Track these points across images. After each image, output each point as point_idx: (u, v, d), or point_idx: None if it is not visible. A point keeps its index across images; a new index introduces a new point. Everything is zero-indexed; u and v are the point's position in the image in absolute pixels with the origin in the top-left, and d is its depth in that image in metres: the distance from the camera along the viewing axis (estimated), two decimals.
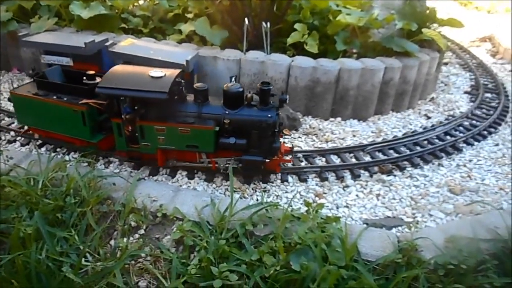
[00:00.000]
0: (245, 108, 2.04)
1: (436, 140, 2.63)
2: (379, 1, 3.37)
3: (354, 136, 2.64)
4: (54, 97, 2.22)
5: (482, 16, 6.97)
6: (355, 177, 2.25)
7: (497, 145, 2.67)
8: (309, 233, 1.67)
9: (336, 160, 2.38)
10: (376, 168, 2.32)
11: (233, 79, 2.15)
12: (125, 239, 1.78)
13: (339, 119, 2.82)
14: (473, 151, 2.58)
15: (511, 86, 3.64)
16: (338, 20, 2.80)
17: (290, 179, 2.21)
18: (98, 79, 2.21)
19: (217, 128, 1.99)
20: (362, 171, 2.29)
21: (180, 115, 2.03)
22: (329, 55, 2.88)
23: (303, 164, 2.33)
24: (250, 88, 2.36)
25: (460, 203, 2.09)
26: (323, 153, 2.41)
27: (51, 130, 2.37)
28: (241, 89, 2.03)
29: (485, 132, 2.80)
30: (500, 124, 2.95)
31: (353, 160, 2.38)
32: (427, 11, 3.27)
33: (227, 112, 2.02)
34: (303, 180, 2.21)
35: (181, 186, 2.14)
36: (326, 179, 2.22)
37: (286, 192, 2.13)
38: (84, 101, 2.15)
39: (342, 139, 2.59)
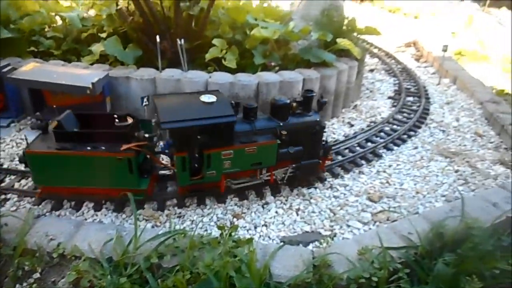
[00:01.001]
0: (293, 117, 2.09)
1: (358, 148, 2.68)
2: (299, 12, 3.41)
3: None
4: (89, 148, 1.92)
5: (409, 22, 7.34)
6: (276, 193, 2.21)
7: (416, 148, 2.76)
8: (218, 260, 1.59)
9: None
10: (296, 182, 2.29)
11: (144, 99, 2.06)
12: (17, 286, 1.62)
13: None
14: (393, 156, 2.65)
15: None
16: (253, 34, 2.78)
17: (207, 201, 2.12)
18: (129, 119, 2.01)
19: (278, 141, 2.01)
20: (282, 186, 2.26)
21: (240, 136, 1.98)
22: (249, 69, 2.86)
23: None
24: None
25: (378, 210, 2.11)
26: None
27: (81, 186, 2.01)
28: (288, 101, 2.08)
29: (405, 136, 2.88)
30: (419, 127, 3.05)
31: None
32: (346, 21, 3.35)
33: (280, 124, 2.05)
34: (221, 202, 2.13)
35: (86, 219, 1.99)
36: (246, 198, 2.16)
37: (203, 216, 2.04)
38: (127, 146, 1.90)
39: None
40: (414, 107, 3.39)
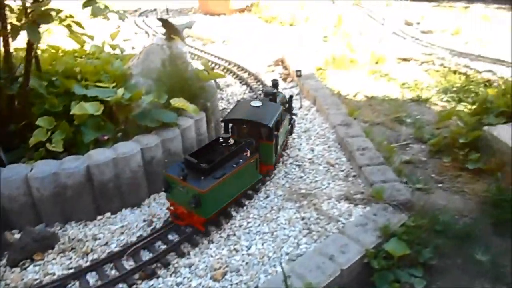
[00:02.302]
0: None
1: None
2: (138, 66, 3.24)
3: (122, 233, 2.45)
4: (234, 165, 2.44)
5: (284, 31, 7.54)
6: None
7: (267, 197, 2.75)
8: None
9: (93, 279, 2.14)
10: (137, 276, 2.15)
11: None
12: None
13: (108, 214, 2.60)
14: (244, 213, 2.61)
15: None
16: (75, 112, 2.57)
17: None
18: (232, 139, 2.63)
19: None
20: (121, 286, 2.10)
21: None
22: (80, 149, 2.63)
23: None
24: None
25: None
26: (78, 275, 2.14)
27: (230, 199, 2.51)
28: None
29: (258, 185, 2.86)
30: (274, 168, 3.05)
31: (113, 273, 2.17)
32: (190, 72, 3.26)
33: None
34: None
35: None
36: None
37: None
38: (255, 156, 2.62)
39: (106, 244, 2.37)
40: None
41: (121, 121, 2.85)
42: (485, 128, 3.54)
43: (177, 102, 2.70)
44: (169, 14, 9.02)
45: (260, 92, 4.48)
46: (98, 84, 2.93)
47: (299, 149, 3.30)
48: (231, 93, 4.56)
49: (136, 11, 9.58)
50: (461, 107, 4.99)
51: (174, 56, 3.23)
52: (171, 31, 3.19)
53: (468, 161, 3.41)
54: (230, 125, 2.81)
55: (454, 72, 6.07)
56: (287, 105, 3.23)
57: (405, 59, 6.58)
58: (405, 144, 4.03)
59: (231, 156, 2.49)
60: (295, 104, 4.16)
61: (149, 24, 8.10)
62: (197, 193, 2.21)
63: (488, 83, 5.71)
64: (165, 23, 3.17)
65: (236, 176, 2.43)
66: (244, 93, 4.53)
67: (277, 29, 7.53)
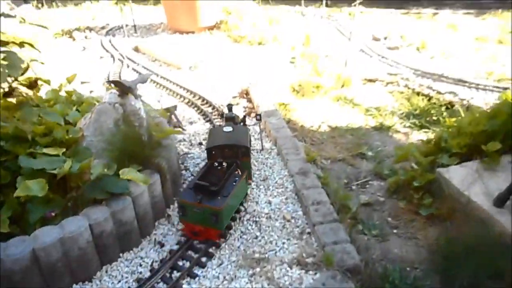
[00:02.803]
0: None
1: (163, 284, 2.59)
2: (90, 127, 3.20)
3: None
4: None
5: (252, 52, 7.52)
6: None
7: (221, 264, 2.74)
8: None
9: None
10: None
11: None
12: None
13: None
14: (195, 284, 2.60)
15: None
16: (17, 194, 2.52)
17: None
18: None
19: None
20: None
21: None
22: (26, 227, 2.59)
23: None
24: None
25: None
26: None
27: None
28: None
29: (212, 248, 2.87)
30: (230, 227, 3.06)
31: None
32: (144, 129, 3.24)
33: None
34: None
35: None
36: None
37: None
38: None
39: None
40: None
41: (71, 188, 2.81)
42: (438, 170, 3.64)
43: (127, 174, 2.68)
44: (137, 32, 8.88)
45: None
46: (46, 151, 2.87)
47: (257, 202, 3.32)
48: (194, 132, 4.54)
49: (103, 28, 9.39)
50: (421, 135, 5.12)
51: (127, 115, 3.20)
52: (125, 89, 3.15)
53: (421, 205, 3.51)
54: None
55: (418, 93, 6.22)
56: (241, 123, 3.82)
57: (370, 80, 6.69)
58: (365, 181, 4.11)
59: (229, 176, 2.99)
60: (257, 146, 4.18)
61: (115, 45, 7.97)
62: (215, 211, 2.73)
63: (449, 105, 5.87)
64: (117, 84, 3.13)
65: (237, 192, 2.99)
66: (206, 132, 4.51)
67: (246, 50, 7.50)
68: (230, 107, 3.92)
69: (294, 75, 6.40)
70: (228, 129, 3.41)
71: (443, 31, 9.63)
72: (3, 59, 2.84)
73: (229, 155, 3.21)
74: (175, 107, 4.73)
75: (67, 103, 4.04)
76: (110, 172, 2.72)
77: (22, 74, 3.38)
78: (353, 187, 4.00)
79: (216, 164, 3.12)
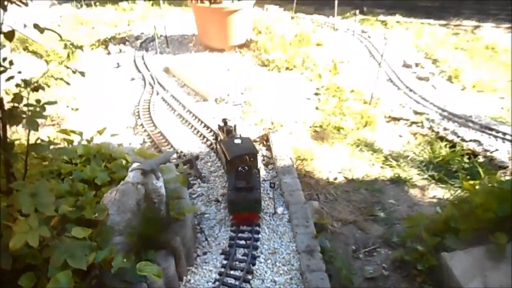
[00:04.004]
0: None
1: None
2: (115, 204, 3.51)
3: None
4: None
5: (280, 79, 7.59)
6: None
7: None
8: None
9: None
10: None
11: None
12: None
13: None
14: None
15: None
16: None
17: None
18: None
19: None
20: None
21: None
22: None
23: None
24: None
25: None
26: None
27: None
28: None
29: None
30: None
31: None
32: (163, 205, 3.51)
33: None
34: None
35: None
36: None
37: None
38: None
39: None
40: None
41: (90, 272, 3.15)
42: (443, 254, 3.73)
43: (143, 269, 2.98)
44: (169, 46, 9.12)
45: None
46: (75, 233, 3.21)
47: (263, 280, 3.56)
48: (212, 182, 4.82)
49: (137, 38, 9.69)
50: (437, 191, 5.16)
51: (149, 193, 3.48)
52: (148, 171, 3.43)
53: None
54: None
55: (441, 138, 6.18)
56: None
57: (395, 119, 6.67)
58: (373, 248, 4.27)
59: (254, 175, 4.11)
60: (270, 209, 4.38)
61: (147, 63, 8.26)
62: (257, 200, 3.97)
63: (472, 155, 5.83)
64: (141, 170, 3.41)
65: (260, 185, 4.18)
66: (224, 186, 4.75)
67: (272, 78, 7.57)
68: (225, 121, 4.93)
69: (317, 113, 6.49)
70: (238, 141, 4.38)
71: (481, 53, 9.29)
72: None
73: (244, 160, 4.18)
74: (196, 157, 5.00)
75: (97, 159, 4.39)
76: (128, 264, 3.03)
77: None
78: (360, 256, 4.17)
79: (241, 168, 4.00)
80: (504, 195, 3.91)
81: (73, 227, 3.30)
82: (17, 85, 2.49)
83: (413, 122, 6.57)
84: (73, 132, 4.34)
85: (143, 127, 5.99)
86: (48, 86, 2.58)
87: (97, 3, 12.55)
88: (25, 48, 8.20)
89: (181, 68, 7.77)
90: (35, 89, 2.42)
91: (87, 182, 3.93)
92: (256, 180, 4.10)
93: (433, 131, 6.34)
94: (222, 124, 4.95)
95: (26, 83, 2.46)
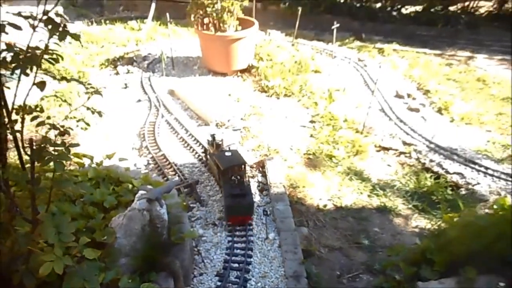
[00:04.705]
0: None
1: None
2: (123, 228, 3.89)
3: None
4: None
5: (279, 105, 8.02)
6: None
7: None
8: None
9: None
10: None
11: None
12: None
13: None
14: None
15: None
16: None
17: None
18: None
19: None
20: None
21: None
22: None
23: None
24: None
25: None
26: None
27: None
28: None
29: None
30: None
31: None
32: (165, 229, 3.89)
33: None
34: None
35: None
36: None
37: None
38: None
39: None
40: None
41: None
42: (418, 283, 4.09)
43: None
44: (174, 69, 9.58)
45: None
46: (87, 254, 3.58)
47: None
48: (211, 205, 5.20)
49: (145, 59, 10.15)
50: (421, 221, 5.53)
51: (153, 219, 3.87)
52: (152, 199, 3.81)
53: None
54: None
55: (427, 170, 6.54)
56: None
57: (384, 148, 7.07)
58: (357, 274, 4.63)
59: (246, 183, 4.83)
60: (262, 234, 4.76)
61: (153, 85, 8.69)
62: (250, 204, 4.68)
63: (455, 187, 6.21)
64: (146, 198, 3.79)
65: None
66: (221, 210, 5.14)
67: (271, 104, 7.98)
68: (213, 136, 5.59)
69: (311, 141, 6.90)
70: (229, 153, 5.04)
71: (472, 85, 9.71)
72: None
73: (235, 170, 4.84)
74: (196, 182, 5.39)
75: (106, 183, 4.78)
76: (133, 285, 3.41)
77: None
78: (344, 281, 4.53)
79: (234, 178, 4.77)
80: (479, 230, 4.28)
81: (84, 248, 3.70)
82: (39, 124, 2.90)
83: (401, 153, 6.97)
84: (85, 156, 4.73)
85: (147, 149, 6.38)
86: (71, 129, 2.93)
87: (107, 21, 13.05)
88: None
89: (185, 91, 8.20)
90: (61, 134, 2.82)
91: (97, 205, 4.34)
92: (247, 187, 4.76)
93: (420, 162, 6.74)
94: (211, 139, 5.57)
95: (54, 127, 2.86)
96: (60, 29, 2.47)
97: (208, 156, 5.75)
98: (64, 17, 2.80)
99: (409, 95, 8.71)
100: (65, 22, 2.60)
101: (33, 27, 2.45)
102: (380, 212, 5.69)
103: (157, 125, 7.05)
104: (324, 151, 6.57)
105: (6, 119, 2.70)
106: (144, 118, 7.38)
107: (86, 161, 4.85)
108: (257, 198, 5.36)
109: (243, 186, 4.73)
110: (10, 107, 2.69)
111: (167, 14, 9.64)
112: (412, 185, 6.26)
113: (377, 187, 6.10)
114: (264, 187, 5.57)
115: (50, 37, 2.57)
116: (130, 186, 4.77)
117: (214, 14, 8.64)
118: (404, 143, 7.14)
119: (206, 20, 8.87)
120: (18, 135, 2.68)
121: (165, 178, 5.63)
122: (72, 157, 2.76)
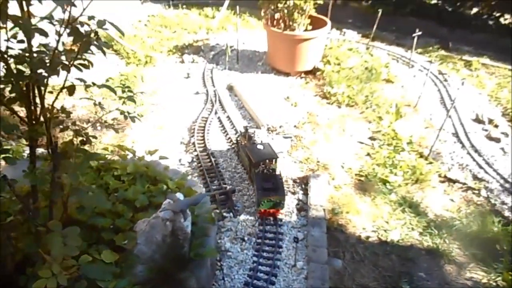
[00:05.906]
0: None
1: None
2: (144, 235, 3.86)
3: None
4: None
5: (339, 115, 7.55)
6: None
7: None
8: None
9: None
10: None
11: None
12: None
13: None
14: None
15: None
16: None
17: None
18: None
19: None
20: None
21: None
22: None
23: None
24: None
25: None
26: None
27: None
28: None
29: None
30: None
31: None
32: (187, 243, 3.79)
33: None
34: None
35: None
36: None
37: None
38: None
39: None
40: None
41: None
42: None
43: None
44: (238, 62, 9.46)
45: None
46: (104, 257, 3.60)
47: None
48: (243, 219, 5.03)
49: (211, 49, 10.16)
50: (476, 272, 4.89)
51: (175, 230, 3.78)
52: (177, 211, 3.72)
53: None
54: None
55: (496, 213, 5.79)
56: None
57: (450, 180, 6.34)
58: None
59: (278, 176, 5.01)
60: (291, 259, 4.49)
61: (214, 78, 8.66)
62: (281, 198, 4.79)
63: None
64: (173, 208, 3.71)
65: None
66: (253, 225, 4.93)
67: (331, 113, 7.54)
68: (246, 128, 5.76)
69: (366, 160, 6.39)
70: (260, 146, 5.16)
71: None
72: None
73: (266, 163, 4.99)
74: (233, 191, 5.23)
75: (143, 180, 4.80)
76: None
77: None
78: None
79: (266, 171, 4.98)
80: None
81: (104, 248, 3.72)
82: (63, 129, 2.88)
83: (469, 188, 6.20)
84: (128, 149, 4.76)
85: (194, 146, 6.35)
86: (96, 138, 2.91)
87: (184, 6, 13.28)
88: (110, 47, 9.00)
89: (243, 88, 8.05)
90: (83, 143, 2.78)
91: (128, 202, 4.36)
92: (279, 181, 4.90)
93: (489, 202, 5.95)
94: (243, 131, 5.76)
95: (77, 133, 2.83)
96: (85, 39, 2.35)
97: (241, 149, 5.79)
98: None
99: (490, 121, 7.70)
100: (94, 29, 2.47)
101: (59, 34, 2.38)
102: (430, 254, 5.10)
103: (209, 122, 7.00)
104: (378, 174, 6.04)
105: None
106: (198, 112, 7.37)
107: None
108: (293, 217, 5.07)
109: (275, 180, 4.88)
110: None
111: (237, 7, 9.49)
112: (475, 227, 5.52)
113: (432, 224, 5.48)
114: (303, 207, 5.25)
115: (80, 50, 2.48)
116: (165, 187, 4.74)
117: (285, 11, 8.31)
118: (475, 177, 6.34)
119: (277, 16, 8.59)
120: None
121: (204, 181, 5.54)
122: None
